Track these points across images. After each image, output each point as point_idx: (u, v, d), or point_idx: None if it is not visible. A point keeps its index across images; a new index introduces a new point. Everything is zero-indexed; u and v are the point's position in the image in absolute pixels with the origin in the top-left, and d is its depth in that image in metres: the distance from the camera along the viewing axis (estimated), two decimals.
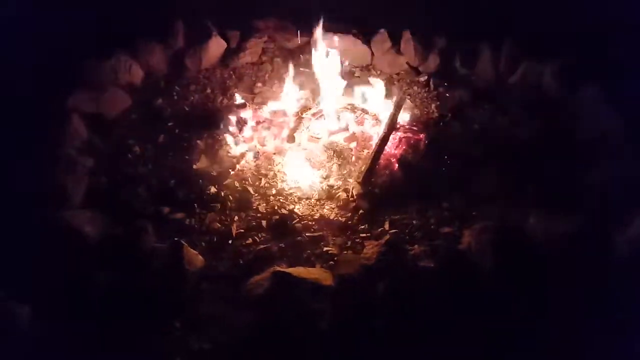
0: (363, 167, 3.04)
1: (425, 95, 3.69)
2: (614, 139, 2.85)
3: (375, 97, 3.55)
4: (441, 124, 3.41)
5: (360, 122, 3.38)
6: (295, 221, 2.76)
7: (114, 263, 2.32)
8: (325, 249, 2.61)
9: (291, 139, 3.24)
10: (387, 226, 2.73)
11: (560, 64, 3.34)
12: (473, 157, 3.09)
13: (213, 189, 2.92)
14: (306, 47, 4.03)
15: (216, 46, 3.85)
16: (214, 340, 2.14)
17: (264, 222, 2.75)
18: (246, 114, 3.41)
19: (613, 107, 2.96)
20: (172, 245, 2.38)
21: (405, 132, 3.26)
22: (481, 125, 3.34)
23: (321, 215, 2.81)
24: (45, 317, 2.06)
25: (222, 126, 3.37)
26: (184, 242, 2.40)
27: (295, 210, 2.83)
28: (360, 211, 2.83)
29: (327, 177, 3.07)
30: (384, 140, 3.10)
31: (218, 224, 2.73)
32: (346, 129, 3.34)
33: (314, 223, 2.77)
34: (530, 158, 3.00)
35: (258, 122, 3.37)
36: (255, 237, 2.67)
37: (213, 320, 2.23)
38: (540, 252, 2.34)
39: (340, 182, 3.02)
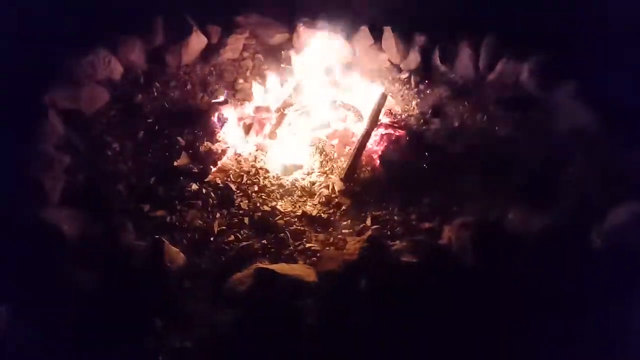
0: (345, 164, 3.06)
1: (406, 92, 3.72)
2: (590, 135, 2.92)
3: (357, 94, 3.57)
4: (422, 120, 3.44)
5: (342, 119, 3.39)
6: (278, 218, 2.76)
7: (93, 261, 2.28)
8: (307, 245, 2.62)
9: (273, 135, 3.23)
10: (369, 222, 2.74)
11: (537, 61, 3.40)
12: (453, 154, 3.13)
13: (194, 186, 2.90)
14: (288, 43, 4.03)
15: (197, 42, 3.81)
16: (196, 338, 2.13)
17: (246, 219, 2.74)
18: (227, 110, 3.39)
19: (589, 103, 3.03)
20: (153, 243, 2.36)
21: (386, 129, 3.28)
22: (461, 122, 3.39)
23: (303, 212, 2.81)
24: (23, 317, 2.02)
25: (202, 123, 3.35)
26: (165, 240, 2.38)
27: (278, 206, 2.83)
28: (343, 207, 2.85)
29: (309, 174, 3.07)
30: (365, 136, 3.12)
31: (199, 221, 2.71)
32: (328, 125, 3.34)
33: (296, 219, 2.77)
34: (509, 154, 3.05)
35: (239, 119, 3.35)
36: (237, 234, 2.66)
37: (195, 318, 2.21)
38: (519, 246, 2.39)
39: (322, 179, 3.03)
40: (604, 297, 2.11)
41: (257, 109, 3.40)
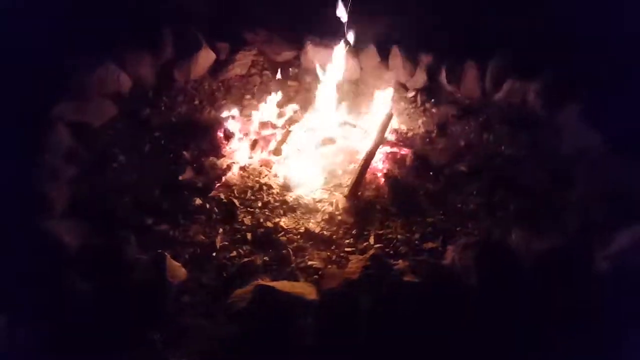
0: (349, 181, 3.05)
1: (412, 111, 3.72)
2: (596, 156, 2.90)
3: (363, 112, 3.58)
4: (427, 139, 3.44)
5: (347, 137, 3.39)
6: (280, 234, 2.75)
7: (94, 274, 2.28)
8: (309, 262, 2.61)
9: (278, 151, 3.24)
10: (372, 241, 2.73)
11: (544, 82, 3.40)
12: (458, 173, 3.12)
13: (198, 201, 2.90)
14: (295, 61, 4.07)
15: (205, 58, 3.85)
16: (195, 354, 2.11)
17: (248, 235, 2.73)
18: (234, 126, 3.41)
19: (595, 124, 3.02)
20: (155, 257, 2.36)
21: (392, 147, 3.28)
22: (466, 142, 3.38)
23: (306, 229, 2.80)
24: (23, 327, 2.02)
25: (209, 138, 3.36)
26: (167, 254, 2.38)
27: (281, 223, 2.82)
28: (346, 225, 2.84)
29: (313, 191, 3.06)
30: (370, 154, 3.12)
31: (202, 236, 2.71)
32: (333, 142, 3.35)
33: (299, 236, 2.76)
34: (514, 174, 3.04)
35: (245, 134, 3.37)
36: (240, 250, 2.65)
37: (195, 333, 2.20)
38: (523, 268, 2.36)
39: (326, 196, 3.02)
40: (609, 320, 2.08)
41: (263, 125, 3.42)
